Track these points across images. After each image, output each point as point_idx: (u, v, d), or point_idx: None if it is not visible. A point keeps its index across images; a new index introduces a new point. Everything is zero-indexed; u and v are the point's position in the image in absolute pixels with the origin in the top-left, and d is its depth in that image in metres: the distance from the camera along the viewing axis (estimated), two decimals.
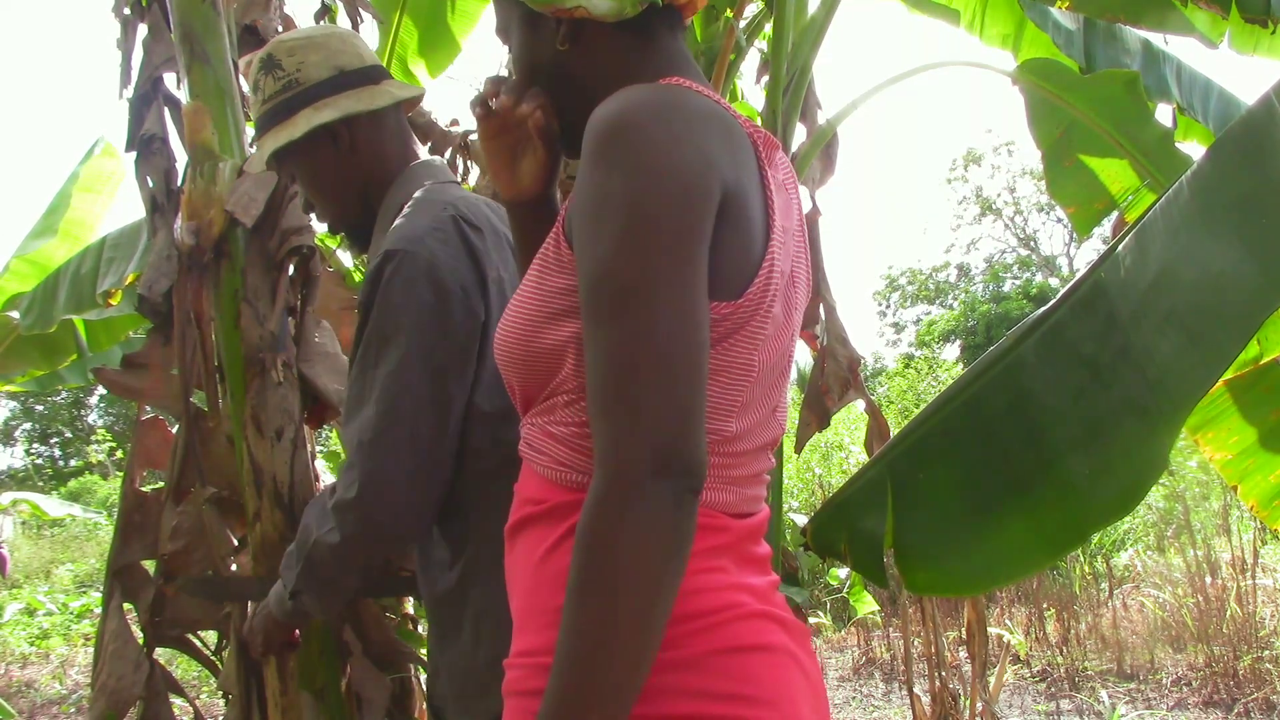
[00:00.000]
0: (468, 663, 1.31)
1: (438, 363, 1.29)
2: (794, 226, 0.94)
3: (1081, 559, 6.37)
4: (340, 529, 1.31)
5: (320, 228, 1.98)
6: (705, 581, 0.83)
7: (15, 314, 3.86)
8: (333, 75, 1.44)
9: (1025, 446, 1.52)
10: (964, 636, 3.39)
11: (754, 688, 0.80)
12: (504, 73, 1.06)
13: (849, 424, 8.14)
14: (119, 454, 14.05)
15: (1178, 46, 3.04)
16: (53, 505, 8.42)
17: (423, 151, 1.55)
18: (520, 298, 0.90)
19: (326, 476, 2.09)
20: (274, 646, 1.56)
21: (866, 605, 5.83)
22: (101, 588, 2.32)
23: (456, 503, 1.33)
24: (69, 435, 22.81)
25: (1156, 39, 2.92)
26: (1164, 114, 2.93)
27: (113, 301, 3.29)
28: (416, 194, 1.43)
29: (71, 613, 7.92)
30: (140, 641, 2.05)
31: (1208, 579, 5.23)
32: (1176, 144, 2.86)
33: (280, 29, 2.29)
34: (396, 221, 1.38)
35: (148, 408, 2.20)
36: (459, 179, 2.66)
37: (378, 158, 1.47)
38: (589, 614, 0.73)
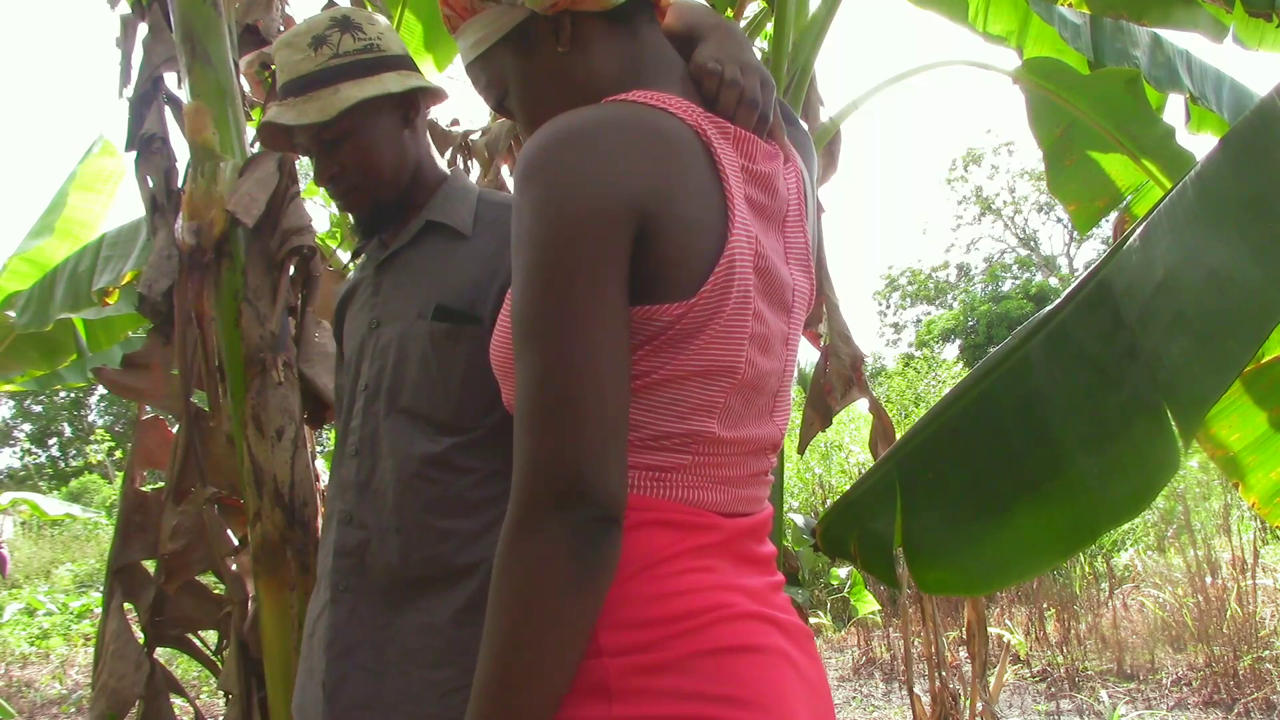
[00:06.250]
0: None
1: None
2: (776, 225, 0.94)
3: (1082, 559, 6.36)
4: None
5: (319, 228, 1.98)
6: (691, 582, 0.83)
7: (13, 313, 3.85)
8: (406, 55, 1.47)
9: (1034, 445, 1.51)
10: (964, 636, 3.38)
11: (740, 689, 0.80)
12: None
13: (849, 424, 8.14)
14: (119, 454, 14.05)
15: (1183, 42, 3.03)
16: (52, 505, 8.42)
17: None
18: (504, 316, 0.91)
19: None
20: None
21: (867, 605, 5.83)
22: (101, 588, 2.32)
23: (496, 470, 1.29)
24: (69, 435, 22.82)
25: (1163, 32, 2.91)
26: (1176, 104, 2.93)
27: (109, 300, 3.29)
28: (471, 182, 1.49)
29: (71, 613, 7.91)
30: (141, 641, 2.05)
31: (1208, 579, 5.23)
32: (1188, 135, 2.86)
33: (282, 29, 2.28)
34: (482, 192, 1.45)
35: (148, 408, 2.20)
36: None
37: (426, 141, 1.51)
38: (493, 638, 0.75)
